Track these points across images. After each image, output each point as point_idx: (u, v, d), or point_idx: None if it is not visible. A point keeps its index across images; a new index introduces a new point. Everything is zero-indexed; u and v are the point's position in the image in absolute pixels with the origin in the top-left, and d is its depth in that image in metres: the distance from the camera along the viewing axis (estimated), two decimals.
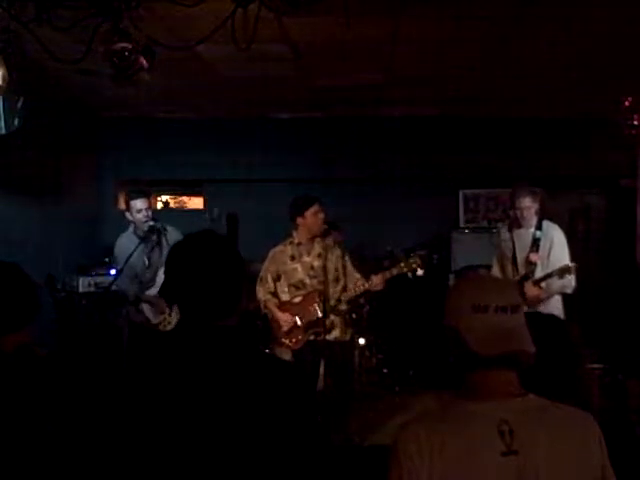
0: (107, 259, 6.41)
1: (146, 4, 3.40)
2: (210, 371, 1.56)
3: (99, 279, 5.91)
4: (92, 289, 5.90)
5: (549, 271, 4.46)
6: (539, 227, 4.58)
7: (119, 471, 1.54)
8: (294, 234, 4.60)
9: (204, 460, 1.49)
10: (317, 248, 4.48)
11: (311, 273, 4.49)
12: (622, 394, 4.57)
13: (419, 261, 4.35)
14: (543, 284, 4.47)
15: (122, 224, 5.26)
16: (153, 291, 4.77)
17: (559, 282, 4.43)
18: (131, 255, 4.64)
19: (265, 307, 4.66)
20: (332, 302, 4.46)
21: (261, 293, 4.64)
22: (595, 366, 4.77)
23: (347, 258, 4.64)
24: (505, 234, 4.82)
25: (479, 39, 4.43)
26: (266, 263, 4.66)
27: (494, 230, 5.56)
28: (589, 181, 7.53)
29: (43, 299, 5.85)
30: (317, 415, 1.64)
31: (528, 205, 4.54)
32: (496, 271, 4.89)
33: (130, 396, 1.58)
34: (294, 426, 1.56)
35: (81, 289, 5.91)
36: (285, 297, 4.59)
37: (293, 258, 4.54)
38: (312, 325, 4.46)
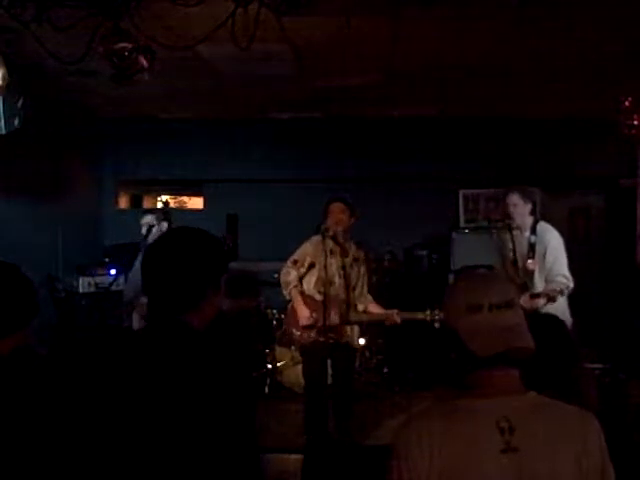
0: (107, 259, 6.42)
1: (146, 4, 3.40)
2: (152, 365, 1.57)
3: (99, 279, 5.92)
4: (92, 289, 5.91)
5: (556, 281, 4.42)
6: (534, 231, 4.55)
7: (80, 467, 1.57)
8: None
9: (144, 458, 1.51)
10: (350, 256, 4.51)
11: (342, 273, 4.48)
12: (622, 394, 4.57)
13: None
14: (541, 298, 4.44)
15: (122, 224, 5.27)
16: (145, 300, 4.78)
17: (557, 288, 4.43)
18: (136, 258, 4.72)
19: (289, 293, 4.54)
20: (352, 311, 4.47)
21: (292, 276, 4.51)
22: (595, 366, 4.77)
23: (365, 278, 4.64)
24: (504, 235, 4.81)
25: (479, 39, 4.43)
26: (305, 248, 4.54)
27: (494, 230, 5.54)
28: (589, 181, 7.53)
29: (43, 299, 5.88)
30: (252, 416, 1.62)
31: (515, 202, 4.54)
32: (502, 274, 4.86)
33: (92, 393, 1.60)
34: (227, 431, 1.55)
35: (81, 289, 5.92)
36: (306, 287, 4.55)
37: (332, 252, 4.44)
38: (329, 330, 4.37)
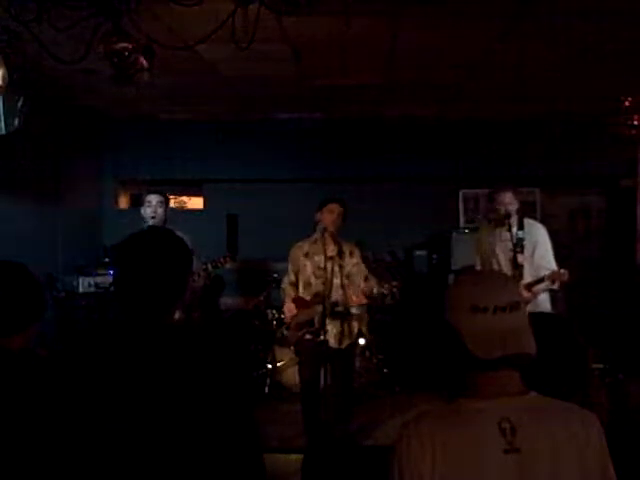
0: (107, 259, 6.42)
1: (146, 4, 3.39)
2: (148, 369, 1.57)
3: (99, 279, 5.91)
4: (92, 289, 5.91)
5: (541, 275, 4.45)
6: (521, 227, 4.61)
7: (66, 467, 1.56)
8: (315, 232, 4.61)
9: (141, 456, 1.52)
10: (330, 251, 4.45)
11: (317, 273, 4.49)
12: (623, 394, 4.57)
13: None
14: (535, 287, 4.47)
15: (122, 224, 5.24)
16: None
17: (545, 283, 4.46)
18: None
19: (283, 296, 4.80)
20: (328, 306, 4.44)
21: (284, 282, 4.77)
22: (595, 366, 4.77)
23: (361, 268, 4.61)
24: (486, 232, 4.87)
25: (479, 39, 4.43)
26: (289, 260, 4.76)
27: (484, 223, 5.61)
28: (589, 181, 7.53)
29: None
30: (251, 413, 1.63)
31: (509, 201, 4.61)
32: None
33: (72, 394, 1.59)
34: (228, 423, 1.56)
35: (81, 289, 5.91)
36: (301, 291, 4.67)
37: (306, 255, 4.57)
38: (305, 324, 4.49)
